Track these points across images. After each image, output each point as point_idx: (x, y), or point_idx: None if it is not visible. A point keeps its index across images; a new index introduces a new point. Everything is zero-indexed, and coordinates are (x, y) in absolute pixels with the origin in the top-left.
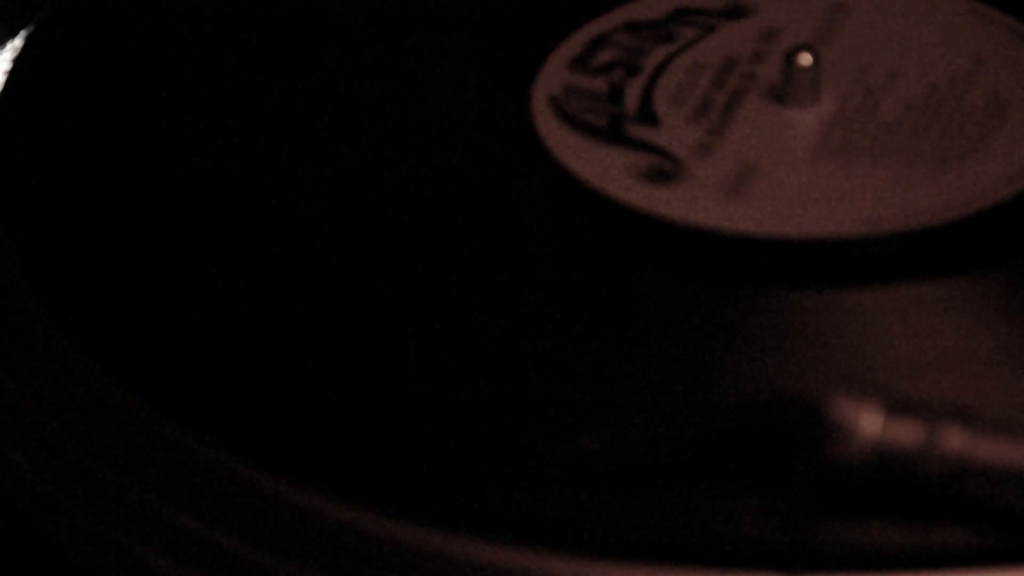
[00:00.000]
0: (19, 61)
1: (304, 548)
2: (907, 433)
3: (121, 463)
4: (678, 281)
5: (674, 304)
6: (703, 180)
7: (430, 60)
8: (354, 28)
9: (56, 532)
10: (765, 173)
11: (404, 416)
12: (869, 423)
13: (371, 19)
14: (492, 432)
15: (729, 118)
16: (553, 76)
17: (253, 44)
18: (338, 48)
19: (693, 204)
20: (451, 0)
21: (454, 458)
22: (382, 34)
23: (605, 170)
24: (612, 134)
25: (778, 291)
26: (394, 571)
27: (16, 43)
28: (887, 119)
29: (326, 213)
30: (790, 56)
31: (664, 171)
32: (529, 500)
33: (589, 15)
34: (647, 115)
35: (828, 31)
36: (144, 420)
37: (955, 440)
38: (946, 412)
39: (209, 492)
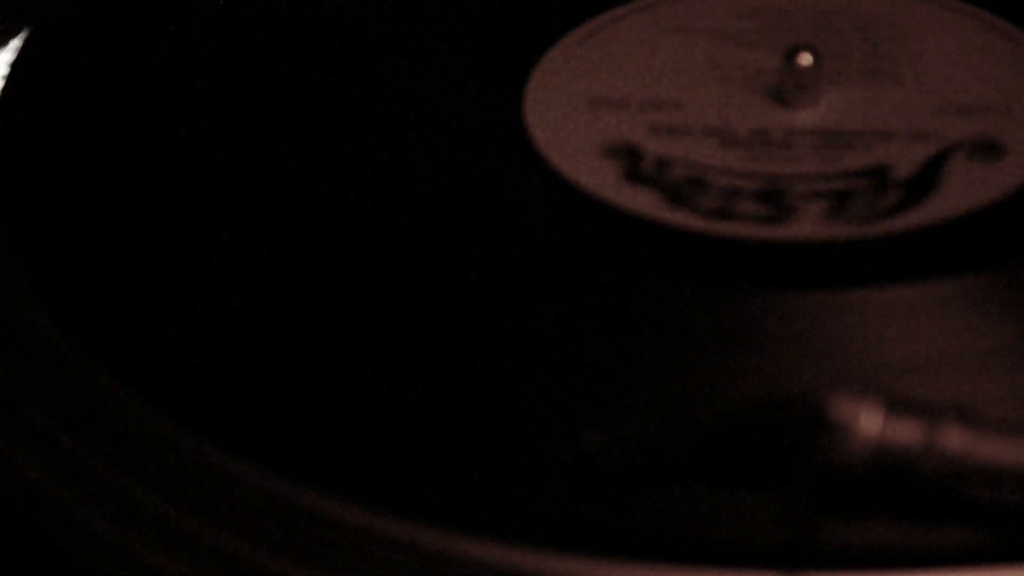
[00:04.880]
0: (19, 61)
1: (304, 548)
2: (907, 432)
3: (121, 463)
4: (678, 282)
5: (674, 304)
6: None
7: (425, 61)
8: (353, 28)
9: (56, 532)
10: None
11: (404, 416)
12: (869, 422)
13: (369, 19)
14: (492, 432)
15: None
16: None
17: (251, 44)
18: (336, 49)
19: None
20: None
21: (454, 458)
22: (380, 34)
23: None
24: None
25: (778, 291)
26: (394, 571)
27: (16, 43)
28: None
29: (326, 213)
30: (790, 56)
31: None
32: (529, 500)
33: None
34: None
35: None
36: (144, 420)
37: (955, 439)
38: (945, 411)
39: (209, 492)
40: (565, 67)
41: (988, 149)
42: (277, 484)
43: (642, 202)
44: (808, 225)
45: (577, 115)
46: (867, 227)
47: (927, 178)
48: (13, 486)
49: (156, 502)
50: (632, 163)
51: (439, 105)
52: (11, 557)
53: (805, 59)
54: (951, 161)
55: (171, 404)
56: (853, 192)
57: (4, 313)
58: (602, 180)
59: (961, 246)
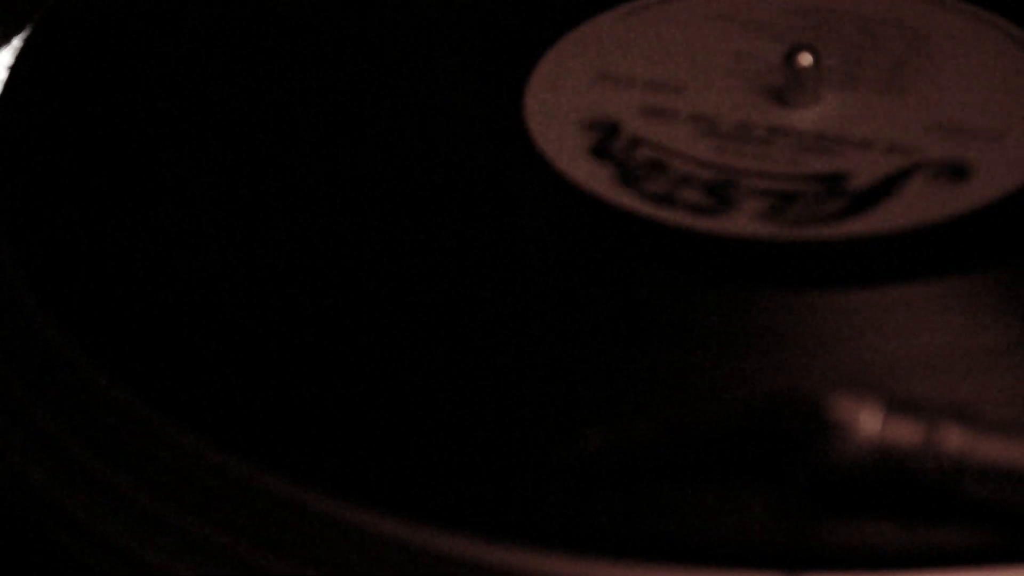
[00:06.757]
0: (19, 61)
1: (304, 548)
2: (906, 432)
3: (121, 463)
4: (678, 281)
5: (674, 304)
6: None
7: (426, 60)
8: (352, 28)
9: (56, 532)
10: None
11: (405, 416)
12: (868, 422)
13: (369, 19)
14: (492, 432)
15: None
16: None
17: (252, 44)
18: (337, 48)
19: None
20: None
21: (454, 458)
22: (380, 33)
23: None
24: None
25: (778, 291)
26: (394, 571)
27: (16, 43)
28: None
29: (327, 214)
30: (790, 56)
31: None
32: (529, 500)
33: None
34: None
35: None
36: (144, 419)
37: (954, 439)
38: (945, 411)
39: (209, 492)
40: (593, 39)
41: (954, 171)
42: (279, 484)
43: (596, 177)
44: (742, 221)
45: (578, 86)
46: (799, 230)
47: (879, 191)
48: (13, 486)
49: (156, 502)
50: (605, 138)
51: (443, 63)
52: (11, 557)
53: (805, 59)
54: (913, 178)
55: (171, 403)
56: (799, 195)
57: (4, 312)
58: (568, 151)
59: (960, 246)
